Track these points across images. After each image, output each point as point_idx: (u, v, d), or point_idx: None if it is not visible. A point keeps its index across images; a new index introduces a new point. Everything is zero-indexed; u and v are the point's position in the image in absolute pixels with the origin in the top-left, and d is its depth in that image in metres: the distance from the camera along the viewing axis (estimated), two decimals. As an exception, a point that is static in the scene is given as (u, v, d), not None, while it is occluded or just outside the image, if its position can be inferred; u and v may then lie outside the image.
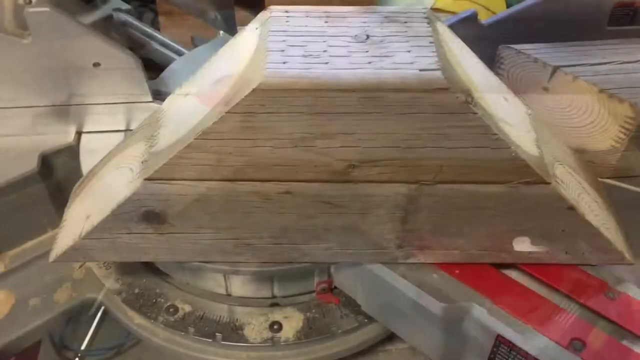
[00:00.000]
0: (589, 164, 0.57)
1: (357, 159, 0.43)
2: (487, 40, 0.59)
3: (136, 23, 0.82)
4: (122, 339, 1.60)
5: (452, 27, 0.58)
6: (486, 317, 0.48)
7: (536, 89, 0.58)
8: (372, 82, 0.39)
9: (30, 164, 0.60)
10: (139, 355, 1.51)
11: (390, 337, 0.60)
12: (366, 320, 0.57)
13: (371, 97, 0.40)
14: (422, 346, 0.54)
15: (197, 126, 0.43)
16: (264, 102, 0.40)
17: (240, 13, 0.62)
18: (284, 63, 0.40)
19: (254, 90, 0.39)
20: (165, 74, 0.68)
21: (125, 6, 0.82)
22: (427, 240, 0.49)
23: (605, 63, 0.56)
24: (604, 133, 0.56)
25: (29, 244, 0.63)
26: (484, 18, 1.02)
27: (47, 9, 0.54)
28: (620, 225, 0.53)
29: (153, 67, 0.77)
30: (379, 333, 0.58)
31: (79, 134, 0.64)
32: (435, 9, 1.04)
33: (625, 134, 0.54)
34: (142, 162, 0.47)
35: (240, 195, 0.46)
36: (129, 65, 0.58)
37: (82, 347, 1.49)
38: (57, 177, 0.63)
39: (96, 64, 0.58)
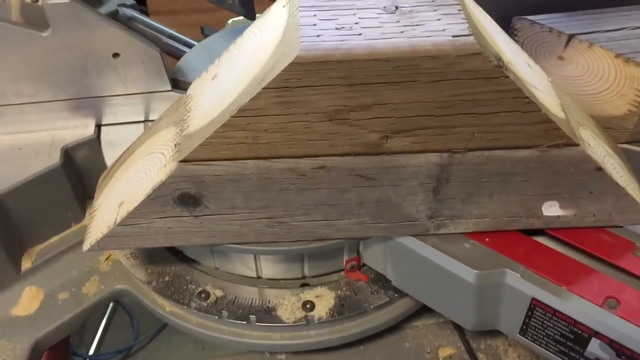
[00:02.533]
0: (606, 130, 0.58)
1: (391, 129, 0.44)
2: (499, 13, 0.60)
3: (142, 17, 0.82)
4: (130, 342, 1.61)
5: (466, 1, 0.59)
6: (520, 281, 0.49)
7: (552, 59, 0.59)
8: (407, 50, 0.40)
9: (53, 159, 0.60)
10: (147, 358, 1.51)
11: (416, 313, 0.61)
12: (397, 295, 0.58)
13: (406, 65, 0.40)
14: (456, 316, 0.55)
15: (231, 105, 0.43)
16: (300, 75, 0.40)
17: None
18: (318, 36, 0.41)
19: (290, 64, 0.40)
20: (182, 62, 0.68)
21: (130, 1, 0.82)
22: (458, 209, 0.50)
23: (619, 29, 0.57)
24: (621, 98, 0.57)
25: (54, 238, 0.64)
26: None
27: (67, 0, 0.54)
28: (642, 186, 0.54)
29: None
30: (410, 307, 0.59)
31: (98, 126, 0.64)
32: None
33: (642, 98, 0.55)
34: (176, 145, 0.47)
35: (275, 172, 0.46)
36: (148, 55, 0.59)
37: (90, 353, 1.49)
38: (78, 170, 0.63)
39: (116, 55, 0.58)
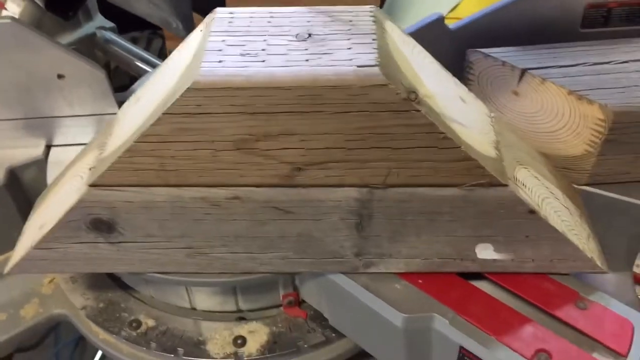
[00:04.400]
0: (564, 170, 0.55)
1: (302, 161, 0.42)
2: (455, 45, 0.58)
3: (120, 41, 0.82)
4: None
5: (418, 31, 0.57)
6: (448, 328, 0.46)
7: (506, 94, 0.56)
8: (307, 79, 0.38)
9: (-3, 178, 0.60)
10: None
11: (360, 357, 0.58)
12: (334, 335, 0.55)
13: (308, 95, 0.39)
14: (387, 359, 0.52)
15: (137, 130, 0.42)
16: (199, 102, 0.39)
17: (199, 21, 0.62)
18: (220, 62, 0.39)
19: (187, 90, 0.39)
20: (135, 86, 0.68)
21: (109, 24, 0.83)
22: (386, 248, 0.47)
23: (575, 65, 0.54)
24: (577, 137, 0.53)
25: (-1, 258, 0.63)
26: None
27: (8, 20, 0.54)
28: (594, 232, 0.51)
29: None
30: (348, 349, 0.56)
31: (48, 147, 0.63)
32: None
33: (598, 138, 0.52)
34: (90, 169, 0.46)
35: (187, 201, 0.45)
36: (93, 76, 0.58)
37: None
38: (26, 191, 0.62)
39: (60, 76, 0.58)
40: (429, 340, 0.48)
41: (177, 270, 0.49)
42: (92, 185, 0.44)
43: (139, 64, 0.80)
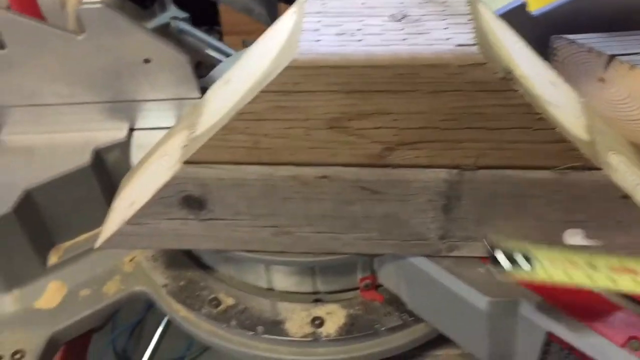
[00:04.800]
0: (651, 159, 0.54)
1: (394, 141, 0.42)
2: (537, 32, 0.57)
3: (193, 31, 0.84)
4: (183, 351, 1.63)
5: (500, 17, 0.57)
6: (535, 313, 0.46)
7: (592, 81, 0.55)
8: (406, 57, 0.38)
9: (84, 159, 0.62)
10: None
11: (439, 342, 0.58)
12: (411, 319, 0.55)
13: (405, 73, 0.39)
14: (469, 345, 0.52)
15: (233, 108, 0.43)
16: (297, 80, 0.40)
17: (283, 8, 0.63)
18: (317, 41, 0.40)
19: (286, 68, 0.39)
20: (214, 72, 0.69)
21: (183, 14, 0.85)
22: (472, 231, 0.47)
23: (665, 51, 0.53)
24: (667, 125, 0.52)
25: (83, 237, 0.65)
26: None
27: (99, 5, 0.56)
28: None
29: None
30: (426, 333, 0.56)
31: (131, 130, 0.65)
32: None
33: (689, 126, 0.51)
34: (183, 148, 0.47)
35: (278, 180, 0.45)
36: (177, 61, 0.60)
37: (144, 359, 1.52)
38: (109, 172, 0.65)
39: (147, 60, 0.59)
40: (513, 326, 0.47)
41: (262, 248, 0.50)
42: (186, 162, 0.45)
43: (213, 53, 0.81)
